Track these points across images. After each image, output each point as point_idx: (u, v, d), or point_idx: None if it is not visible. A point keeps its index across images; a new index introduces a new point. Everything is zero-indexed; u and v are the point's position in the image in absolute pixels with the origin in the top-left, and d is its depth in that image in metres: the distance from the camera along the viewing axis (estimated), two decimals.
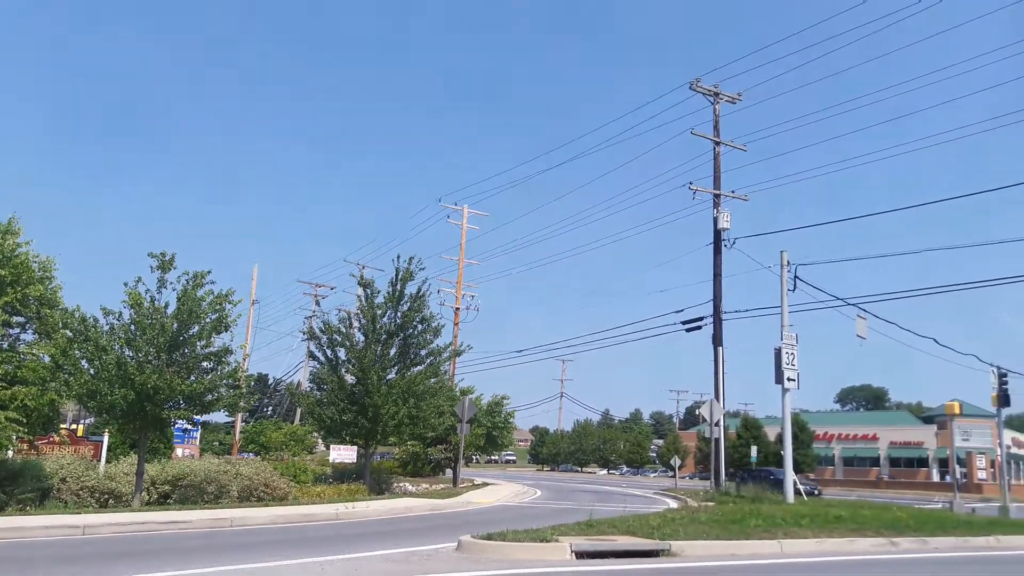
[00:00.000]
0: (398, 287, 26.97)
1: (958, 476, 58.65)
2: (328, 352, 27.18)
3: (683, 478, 61.56)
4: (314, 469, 31.90)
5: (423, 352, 27.26)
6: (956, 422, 53.55)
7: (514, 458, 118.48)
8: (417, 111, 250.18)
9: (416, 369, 26.93)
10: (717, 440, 28.61)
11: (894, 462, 74.58)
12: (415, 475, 38.43)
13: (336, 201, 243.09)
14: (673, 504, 26.77)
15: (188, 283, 19.44)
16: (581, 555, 11.82)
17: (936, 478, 69.74)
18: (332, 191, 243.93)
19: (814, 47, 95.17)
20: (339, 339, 26.83)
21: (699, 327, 31.23)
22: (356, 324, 27.57)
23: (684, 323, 32.16)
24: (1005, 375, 31.64)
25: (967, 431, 50.77)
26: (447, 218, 44.99)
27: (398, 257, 27.34)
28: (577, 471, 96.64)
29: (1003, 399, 31.38)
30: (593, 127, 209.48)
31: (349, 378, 26.76)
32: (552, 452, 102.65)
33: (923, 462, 72.45)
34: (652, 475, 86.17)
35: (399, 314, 26.84)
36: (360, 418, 25.83)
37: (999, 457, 37.91)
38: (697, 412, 36.25)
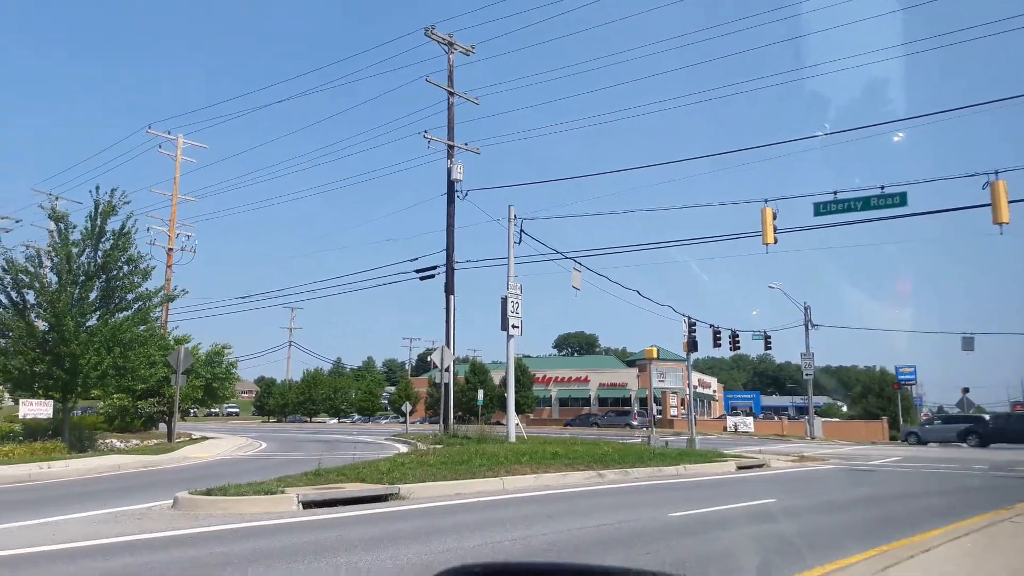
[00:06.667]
0: (98, 222, 24.13)
1: (655, 413, 66.22)
2: (13, 294, 23.76)
3: (414, 423, 62.67)
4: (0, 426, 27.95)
5: (130, 296, 24.95)
6: (654, 365, 60.19)
7: (237, 411, 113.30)
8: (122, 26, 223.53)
9: (122, 315, 24.60)
10: (447, 385, 29.30)
11: (603, 402, 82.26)
12: (124, 431, 35.07)
13: (25, 121, 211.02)
14: (404, 449, 27.06)
15: None
16: (309, 505, 11.43)
17: None
18: (19, 113, 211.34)
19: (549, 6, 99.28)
20: (26, 280, 23.49)
21: (432, 276, 31.62)
22: (48, 263, 24.20)
23: (418, 272, 32.39)
24: (694, 324, 35.91)
25: (663, 373, 57.21)
26: (158, 147, 40.62)
27: (97, 188, 24.36)
28: (307, 421, 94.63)
29: (692, 345, 35.66)
30: (326, 62, 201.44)
31: (41, 324, 23.65)
32: (280, 403, 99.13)
33: (627, 401, 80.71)
34: (384, 422, 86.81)
35: (100, 253, 24.12)
36: (55, 369, 23.22)
37: (688, 396, 43.14)
38: (429, 359, 36.94)
